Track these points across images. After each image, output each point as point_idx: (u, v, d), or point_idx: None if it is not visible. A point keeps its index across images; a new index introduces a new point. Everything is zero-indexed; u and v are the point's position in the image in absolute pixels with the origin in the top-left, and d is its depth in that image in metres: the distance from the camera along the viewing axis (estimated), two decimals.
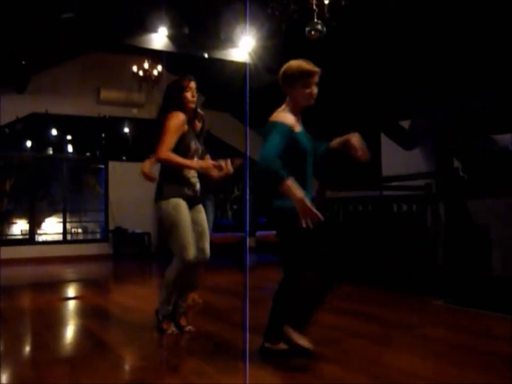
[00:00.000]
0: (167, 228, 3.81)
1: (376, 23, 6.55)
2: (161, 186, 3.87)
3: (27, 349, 3.93)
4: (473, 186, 6.80)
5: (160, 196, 3.85)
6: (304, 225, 2.77)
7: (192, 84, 4.11)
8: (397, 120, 8.32)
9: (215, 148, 5.32)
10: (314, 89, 3.17)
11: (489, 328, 4.22)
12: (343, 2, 5.39)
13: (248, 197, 12.17)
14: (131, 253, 10.70)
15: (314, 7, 5.47)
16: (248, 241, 11.31)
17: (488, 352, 3.43)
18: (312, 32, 5.72)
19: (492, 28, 5.71)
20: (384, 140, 8.65)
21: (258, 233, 11.32)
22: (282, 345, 3.19)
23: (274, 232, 3.25)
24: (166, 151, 3.73)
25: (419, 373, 3.02)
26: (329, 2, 5.42)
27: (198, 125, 4.48)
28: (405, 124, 8.34)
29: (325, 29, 5.68)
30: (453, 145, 7.62)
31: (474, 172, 7.20)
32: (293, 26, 5.73)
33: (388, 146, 8.58)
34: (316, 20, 5.65)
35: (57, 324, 4.68)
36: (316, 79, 3.17)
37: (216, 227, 10.53)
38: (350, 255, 6.80)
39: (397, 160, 8.26)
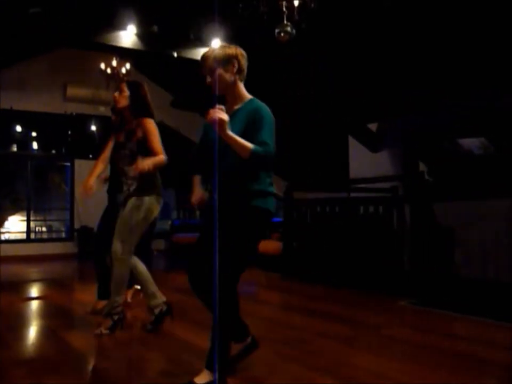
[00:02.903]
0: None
1: (344, 26, 6.61)
2: None
3: None
4: (438, 189, 6.93)
5: None
6: None
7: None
8: (364, 123, 8.40)
9: (184, 147, 5.29)
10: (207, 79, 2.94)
11: (453, 329, 4.31)
12: (312, 5, 5.43)
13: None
14: None
15: (284, 9, 5.50)
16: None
17: (453, 352, 3.49)
18: (282, 34, 5.74)
19: (466, 34, 5.81)
20: (352, 142, 8.73)
21: None
22: None
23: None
24: None
25: (385, 373, 3.05)
26: (299, 5, 5.45)
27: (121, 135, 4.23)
28: (373, 126, 8.43)
29: (294, 31, 5.71)
30: (419, 148, 7.75)
31: (439, 175, 7.33)
32: (263, 27, 5.75)
33: (355, 149, 8.66)
34: (285, 22, 5.68)
35: (19, 324, 4.59)
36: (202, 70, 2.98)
37: (184, 227, 10.44)
38: (317, 256, 6.85)
39: (364, 162, 8.35)
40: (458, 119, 7.01)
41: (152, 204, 3.99)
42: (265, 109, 2.81)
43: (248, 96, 2.94)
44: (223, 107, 2.61)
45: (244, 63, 2.92)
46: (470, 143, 7.35)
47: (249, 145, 2.63)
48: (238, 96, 2.92)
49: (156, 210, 4.05)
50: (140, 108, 4.09)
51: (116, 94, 4.15)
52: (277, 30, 5.65)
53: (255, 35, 6.23)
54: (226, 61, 2.87)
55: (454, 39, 5.92)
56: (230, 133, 2.60)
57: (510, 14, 5.23)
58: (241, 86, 2.94)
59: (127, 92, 4.10)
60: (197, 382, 2.66)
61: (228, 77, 2.87)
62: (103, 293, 4.72)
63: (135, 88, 4.15)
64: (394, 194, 6.74)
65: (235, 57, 2.88)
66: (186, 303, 5.42)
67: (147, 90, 4.20)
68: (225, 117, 2.56)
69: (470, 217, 6.41)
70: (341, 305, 5.30)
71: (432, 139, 7.65)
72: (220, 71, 2.85)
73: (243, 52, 2.93)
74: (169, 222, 10.59)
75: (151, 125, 3.99)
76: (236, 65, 2.87)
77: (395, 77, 6.99)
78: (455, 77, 6.37)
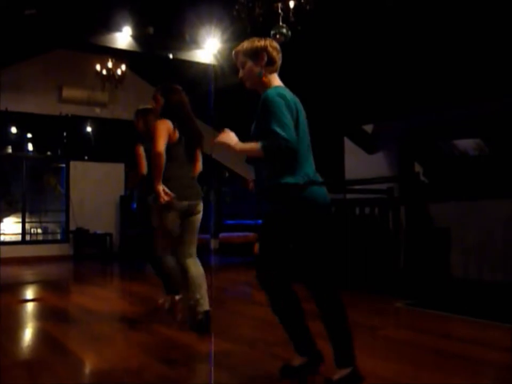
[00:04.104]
0: None
1: (339, 27, 6.62)
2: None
3: None
4: (433, 190, 6.95)
5: None
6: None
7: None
8: (360, 124, 8.42)
9: None
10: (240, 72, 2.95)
11: (449, 330, 4.31)
12: (308, 7, 5.44)
13: (212, 198, 12.15)
14: (92, 254, 10.54)
15: (279, 10, 5.51)
16: (211, 243, 11.25)
17: (449, 353, 3.50)
18: (277, 36, 5.75)
19: (462, 36, 5.83)
20: (347, 143, 8.75)
21: (221, 234, 11.29)
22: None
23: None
24: None
25: (381, 373, 3.06)
26: (294, 6, 5.46)
27: None
28: (368, 128, 8.46)
29: (290, 32, 5.72)
30: (414, 149, 7.77)
31: (435, 175, 7.35)
32: (258, 29, 5.75)
33: (351, 150, 8.68)
34: (281, 24, 5.69)
35: (15, 326, 4.58)
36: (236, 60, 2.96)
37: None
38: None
39: (360, 163, 8.37)
40: (453, 120, 7.03)
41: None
42: (271, 95, 2.68)
43: (273, 85, 2.84)
44: (227, 130, 2.72)
45: (276, 54, 2.87)
46: (466, 144, 7.38)
47: (257, 145, 2.60)
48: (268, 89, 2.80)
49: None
50: (164, 111, 4.14)
51: (153, 104, 4.24)
52: (272, 32, 5.66)
53: (251, 37, 6.22)
54: (255, 53, 2.83)
55: (450, 41, 5.94)
56: (238, 147, 2.66)
57: (506, 15, 5.25)
58: (272, 78, 2.87)
59: (162, 99, 4.15)
60: (334, 378, 2.69)
61: (257, 70, 2.83)
62: (170, 288, 4.75)
63: (165, 92, 4.19)
64: (390, 195, 6.75)
65: (264, 49, 2.84)
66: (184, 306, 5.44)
67: (179, 93, 4.24)
68: (224, 139, 2.68)
69: (465, 218, 6.43)
70: None
71: (428, 140, 7.67)
72: (249, 64, 2.84)
73: (274, 44, 2.90)
74: None
75: (156, 125, 3.99)
76: (265, 58, 2.82)
77: (390, 78, 7.01)
78: (451, 78, 6.39)
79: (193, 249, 4.10)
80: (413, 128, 7.67)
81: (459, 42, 5.88)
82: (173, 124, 4.03)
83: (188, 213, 4.04)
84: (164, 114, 4.11)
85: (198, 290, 3.94)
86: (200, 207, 4.15)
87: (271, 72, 2.87)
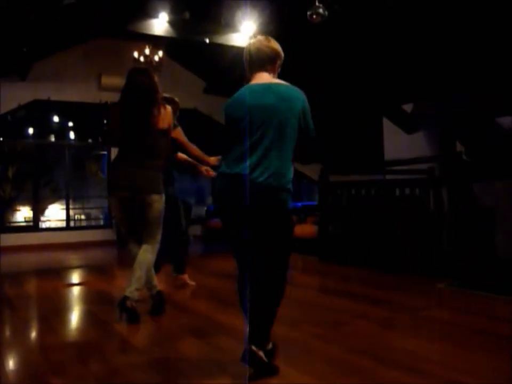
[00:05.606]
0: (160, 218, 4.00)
1: (378, 5, 6.51)
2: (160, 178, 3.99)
3: (34, 333, 3.97)
4: (476, 169, 6.80)
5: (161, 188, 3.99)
6: None
7: None
8: (399, 104, 8.29)
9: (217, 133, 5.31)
10: None
11: (494, 310, 4.25)
12: None
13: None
14: None
15: None
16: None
17: (492, 334, 3.46)
18: (314, 16, 5.70)
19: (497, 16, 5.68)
20: (386, 123, 8.64)
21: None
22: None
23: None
24: None
25: (424, 354, 3.04)
26: None
27: None
28: (407, 107, 8.32)
29: (326, 12, 5.66)
30: (456, 128, 7.62)
31: (477, 154, 7.19)
32: (295, 10, 5.71)
33: (390, 130, 8.56)
34: (317, 4, 5.63)
35: (63, 309, 4.73)
36: None
37: None
38: (354, 239, 6.82)
39: (400, 144, 8.25)
40: (496, 97, 6.85)
41: None
42: None
43: None
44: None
45: (247, 56, 2.80)
46: (510, 121, 7.19)
47: None
48: None
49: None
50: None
51: None
52: (309, 12, 5.61)
53: (287, 18, 6.18)
54: None
55: (492, 18, 5.78)
56: None
57: None
58: (251, 79, 2.79)
59: None
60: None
61: (248, 77, 2.82)
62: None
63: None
64: (431, 175, 6.65)
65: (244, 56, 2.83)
66: (221, 287, 5.51)
67: (134, 75, 3.93)
68: None
69: (510, 197, 6.28)
70: (379, 288, 5.28)
71: (470, 118, 7.50)
72: None
73: (250, 46, 2.80)
74: (205, 208, 10.66)
75: None
76: (245, 62, 2.82)
77: (429, 57, 6.87)
78: (492, 54, 6.22)
79: (146, 239, 4.00)
80: (454, 106, 7.51)
81: (501, 19, 5.72)
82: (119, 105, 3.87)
83: (136, 203, 3.87)
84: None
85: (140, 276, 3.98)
86: (153, 200, 3.87)
87: (252, 72, 2.79)
